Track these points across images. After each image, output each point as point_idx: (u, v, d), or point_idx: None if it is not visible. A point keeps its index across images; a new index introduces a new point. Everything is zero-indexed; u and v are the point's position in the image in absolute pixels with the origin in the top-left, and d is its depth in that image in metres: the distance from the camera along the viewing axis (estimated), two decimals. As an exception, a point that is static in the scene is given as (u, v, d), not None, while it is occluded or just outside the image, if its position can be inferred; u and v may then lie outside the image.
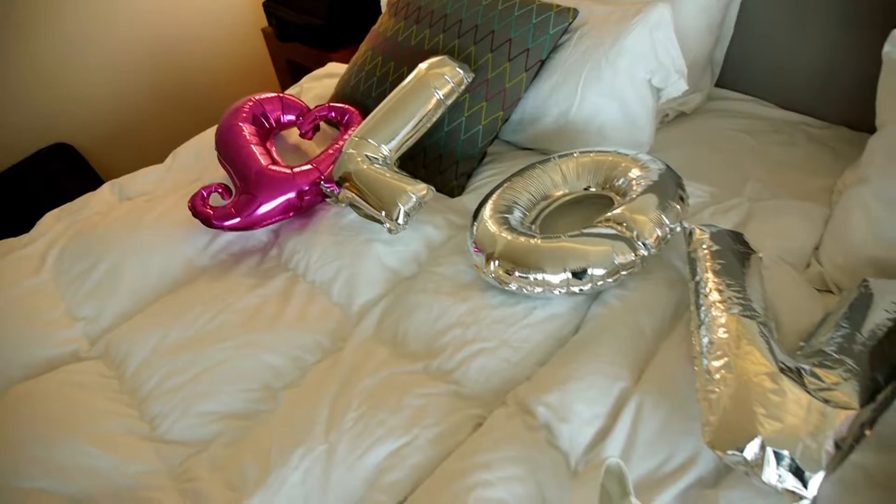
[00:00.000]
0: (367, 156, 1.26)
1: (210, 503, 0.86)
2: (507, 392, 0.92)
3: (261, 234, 1.36)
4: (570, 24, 1.37)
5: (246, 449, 0.92)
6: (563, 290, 0.99)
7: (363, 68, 1.56)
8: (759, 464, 0.70)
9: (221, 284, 1.22)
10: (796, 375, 0.75)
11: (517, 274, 1.00)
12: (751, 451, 0.70)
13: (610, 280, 0.99)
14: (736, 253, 0.96)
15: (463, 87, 1.33)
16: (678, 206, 1.05)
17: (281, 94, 1.53)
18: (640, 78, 1.32)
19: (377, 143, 1.28)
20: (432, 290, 1.10)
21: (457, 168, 1.38)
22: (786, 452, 0.69)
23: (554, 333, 0.99)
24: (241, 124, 1.43)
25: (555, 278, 0.98)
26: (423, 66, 1.34)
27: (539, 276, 0.99)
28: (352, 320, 1.12)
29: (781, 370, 0.75)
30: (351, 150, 1.26)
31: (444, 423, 0.88)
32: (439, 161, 1.39)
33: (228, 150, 1.38)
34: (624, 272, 0.99)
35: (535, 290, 1.00)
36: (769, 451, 0.69)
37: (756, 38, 1.53)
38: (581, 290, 0.99)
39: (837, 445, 0.70)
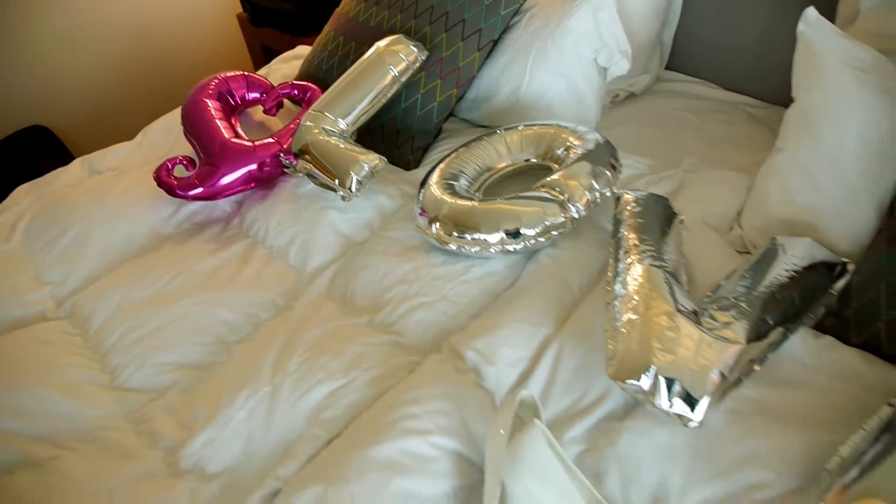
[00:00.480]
0: (324, 128, 1.32)
1: (163, 440, 0.93)
2: (443, 341, 0.99)
3: (224, 205, 1.42)
4: (521, 5, 1.45)
5: (199, 395, 0.98)
6: (499, 249, 1.07)
7: (326, 48, 1.63)
8: (653, 391, 0.77)
9: (183, 249, 1.28)
10: (693, 316, 0.83)
11: (455, 234, 1.07)
12: (646, 380, 0.78)
13: (542, 239, 1.06)
14: (657, 214, 1.03)
15: (417, 64, 1.40)
16: (609, 174, 1.13)
17: (246, 73, 1.59)
18: (585, 57, 1.39)
19: (334, 117, 1.34)
20: (381, 251, 1.17)
21: (413, 143, 1.44)
22: (676, 380, 0.76)
23: (490, 289, 1.06)
24: (206, 100, 1.49)
25: (491, 238, 1.06)
26: (380, 44, 1.41)
27: (476, 236, 1.06)
28: (305, 281, 1.19)
29: (679, 311, 0.82)
30: (308, 123, 1.33)
31: (381, 368, 0.95)
32: (396, 136, 1.46)
33: (194, 125, 1.44)
34: (555, 232, 1.06)
35: (473, 250, 1.07)
36: (661, 379, 0.77)
37: (702, 22, 1.60)
38: (515, 248, 1.06)
39: (723, 375, 0.77)
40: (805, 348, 0.90)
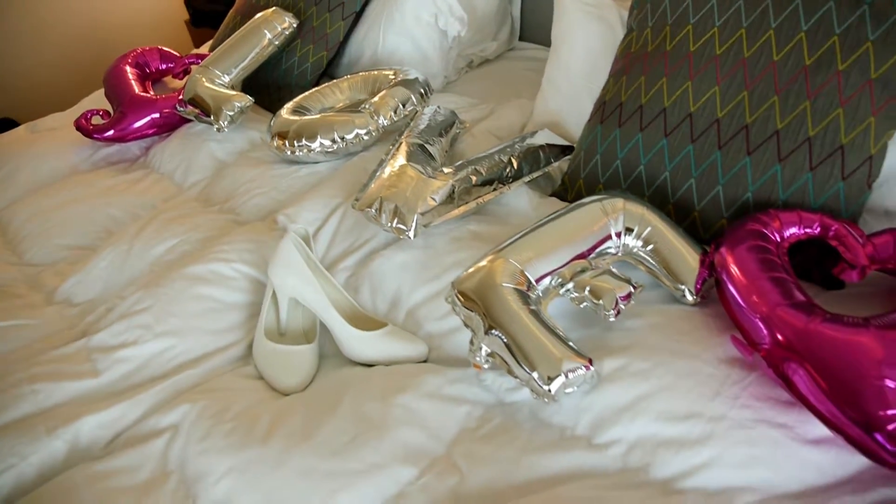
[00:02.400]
0: (210, 79, 1.64)
1: (46, 287, 1.22)
2: (269, 217, 1.29)
3: (133, 148, 1.74)
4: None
5: (81, 263, 1.28)
6: (320, 152, 1.37)
7: (228, 25, 1.96)
8: (377, 216, 1.06)
9: (93, 175, 1.59)
10: (423, 167, 1.12)
11: (286, 142, 1.38)
12: (375, 207, 1.07)
13: (353, 143, 1.36)
14: (440, 122, 1.33)
15: (289, 31, 1.72)
16: (415, 97, 1.43)
17: (160, 48, 1.92)
18: (424, 20, 1.72)
19: (219, 72, 1.66)
20: (241, 165, 1.47)
21: (292, 95, 1.75)
22: (394, 204, 1.05)
23: (311, 182, 1.36)
24: (124, 66, 1.81)
25: (313, 144, 1.36)
26: (259, 15, 1.73)
27: (303, 143, 1.36)
28: (182, 191, 1.49)
29: (409, 163, 1.12)
30: (197, 76, 1.65)
31: (213, 231, 1.25)
32: (279, 90, 1.78)
33: (111, 84, 1.77)
34: (365, 137, 1.37)
35: (299, 154, 1.38)
36: (385, 203, 1.06)
37: (542, -2, 1.93)
38: (330, 151, 1.36)
39: (433, 199, 1.06)
40: (529, 204, 1.19)
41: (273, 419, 0.86)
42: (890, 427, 0.63)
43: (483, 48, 1.93)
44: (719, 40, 1.04)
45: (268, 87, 1.79)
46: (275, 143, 1.40)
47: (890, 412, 0.64)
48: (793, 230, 0.90)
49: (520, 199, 1.20)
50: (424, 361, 0.99)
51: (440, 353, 0.98)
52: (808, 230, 0.90)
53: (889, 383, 0.65)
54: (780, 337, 0.74)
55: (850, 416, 0.65)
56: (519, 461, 0.78)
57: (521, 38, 2.05)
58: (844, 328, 0.71)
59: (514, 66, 1.93)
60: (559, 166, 1.25)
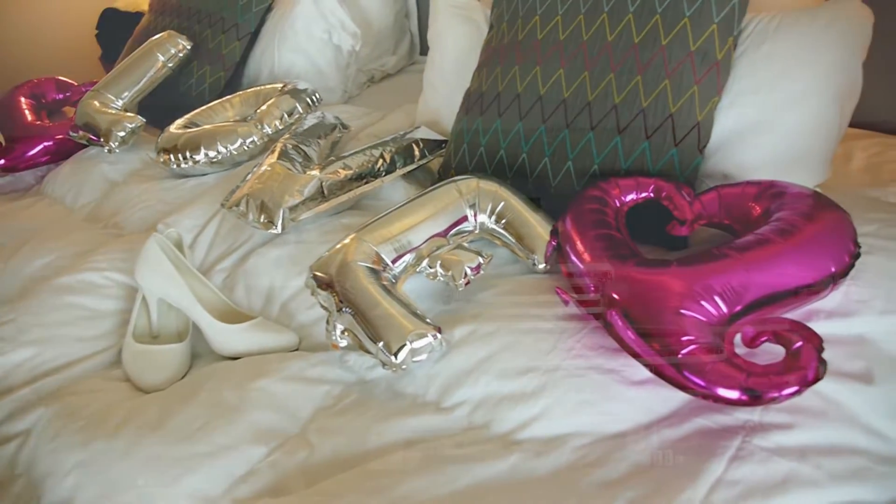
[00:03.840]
0: (101, 103, 1.64)
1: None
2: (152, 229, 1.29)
3: (28, 177, 1.71)
4: (272, 3, 1.82)
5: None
6: (206, 163, 1.38)
7: (125, 55, 1.97)
8: (245, 213, 1.08)
9: (-16, 206, 1.57)
10: (293, 164, 1.15)
11: (172, 156, 1.38)
12: (243, 204, 1.08)
13: (239, 153, 1.38)
14: (321, 125, 1.36)
15: (184, 53, 1.74)
16: (300, 106, 1.47)
17: (57, 77, 1.91)
18: (317, 36, 1.76)
19: (112, 96, 1.66)
20: (132, 183, 1.47)
21: (189, 117, 1.77)
22: (260, 200, 1.07)
23: (197, 192, 1.36)
24: (19, 97, 1.80)
25: (198, 156, 1.37)
26: (152, 38, 1.75)
27: (188, 155, 1.37)
28: (72, 213, 1.47)
29: (279, 161, 1.14)
30: (88, 100, 1.65)
31: (91, 245, 1.24)
32: (178, 113, 1.78)
33: (3, 115, 1.75)
34: (250, 147, 1.39)
35: (185, 167, 1.39)
36: (251, 200, 1.08)
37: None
38: (216, 161, 1.38)
39: (300, 193, 1.08)
40: (405, 197, 1.21)
41: (127, 414, 0.85)
42: (685, 351, 0.67)
43: (383, 63, 1.99)
44: (562, 27, 1.10)
45: (166, 109, 1.79)
46: (161, 158, 1.41)
47: (686, 338, 0.68)
48: (631, 195, 0.95)
49: (396, 192, 1.23)
50: (297, 349, 0.99)
51: (311, 342, 0.99)
52: (644, 194, 0.95)
53: (686, 312, 0.69)
54: (601, 284, 0.78)
55: (658, 350, 0.69)
56: (369, 429, 0.79)
57: (421, 53, 2.12)
58: (650, 269, 0.75)
59: (415, 79, 1.97)
60: (435, 160, 1.29)
